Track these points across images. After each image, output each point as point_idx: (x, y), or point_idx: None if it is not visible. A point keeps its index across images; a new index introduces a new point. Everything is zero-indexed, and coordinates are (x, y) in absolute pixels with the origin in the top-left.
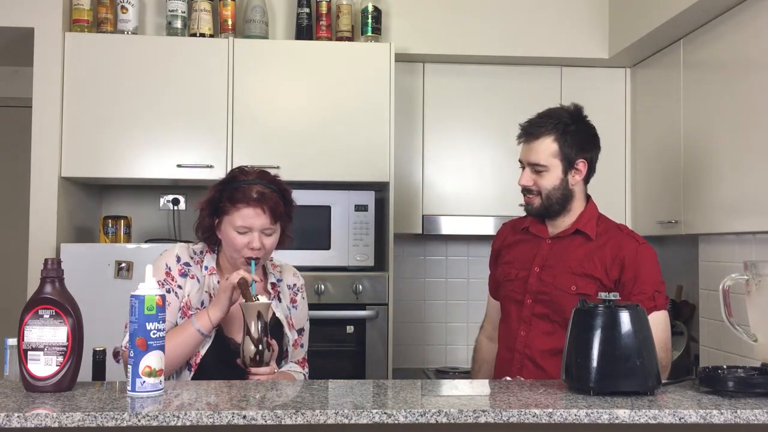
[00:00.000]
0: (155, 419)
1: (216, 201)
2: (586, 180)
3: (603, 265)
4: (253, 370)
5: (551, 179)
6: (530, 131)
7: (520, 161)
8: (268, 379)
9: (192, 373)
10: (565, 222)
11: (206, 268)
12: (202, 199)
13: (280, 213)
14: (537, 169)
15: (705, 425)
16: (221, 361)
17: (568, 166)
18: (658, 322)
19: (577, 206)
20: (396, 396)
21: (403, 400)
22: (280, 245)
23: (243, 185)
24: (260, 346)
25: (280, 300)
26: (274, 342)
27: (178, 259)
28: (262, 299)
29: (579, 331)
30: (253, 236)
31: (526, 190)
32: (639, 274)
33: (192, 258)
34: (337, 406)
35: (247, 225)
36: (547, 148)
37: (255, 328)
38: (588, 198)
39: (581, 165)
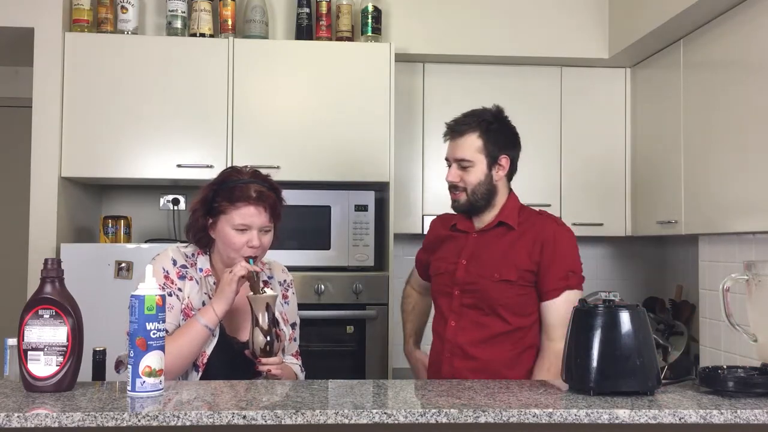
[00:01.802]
0: (155, 419)
1: (210, 201)
2: (509, 177)
3: (525, 249)
4: (263, 360)
5: (476, 174)
6: (456, 129)
7: (446, 159)
8: (277, 369)
9: (200, 373)
10: (489, 217)
11: (201, 270)
12: (194, 200)
13: (278, 211)
14: (463, 165)
15: (705, 425)
16: (226, 360)
17: (492, 161)
18: (569, 301)
19: (501, 201)
20: (396, 396)
21: (403, 400)
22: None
23: (240, 184)
24: (269, 337)
25: None
26: (282, 332)
27: (174, 262)
28: (269, 291)
29: (579, 331)
30: (252, 234)
31: (452, 187)
32: (556, 254)
33: (186, 260)
34: (337, 406)
35: (247, 223)
36: (472, 144)
37: (263, 319)
38: (509, 192)
39: (504, 161)
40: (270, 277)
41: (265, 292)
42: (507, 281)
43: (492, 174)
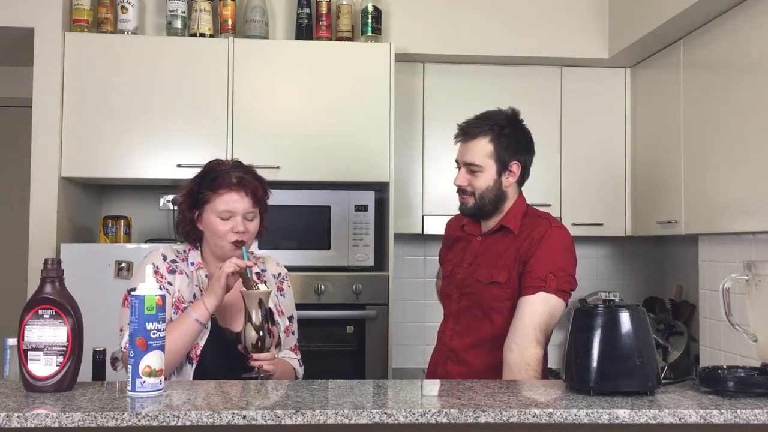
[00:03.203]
0: (155, 419)
1: (195, 193)
2: (520, 182)
3: (517, 251)
4: (255, 356)
5: (485, 180)
6: (467, 131)
7: (456, 161)
8: (269, 365)
9: (194, 365)
10: (495, 221)
11: (192, 263)
12: (180, 194)
13: (260, 197)
14: (472, 169)
15: (705, 425)
16: (220, 351)
17: (502, 167)
18: (539, 302)
19: (509, 206)
20: (396, 396)
21: (403, 400)
22: (258, 236)
23: (222, 173)
24: (261, 333)
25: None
26: (274, 328)
27: (165, 258)
28: (262, 287)
29: (579, 331)
30: (237, 221)
31: (460, 191)
32: (540, 252)
33: (177, 256)
34: (337, 406)
35: (230, 209)
36: (482, 148)
37: (256, 315)
38: (518, 196)
39: (515, 167)
40: (263, 270)
41: (258, 287)
42: (496, 283)
43: (501, 180)
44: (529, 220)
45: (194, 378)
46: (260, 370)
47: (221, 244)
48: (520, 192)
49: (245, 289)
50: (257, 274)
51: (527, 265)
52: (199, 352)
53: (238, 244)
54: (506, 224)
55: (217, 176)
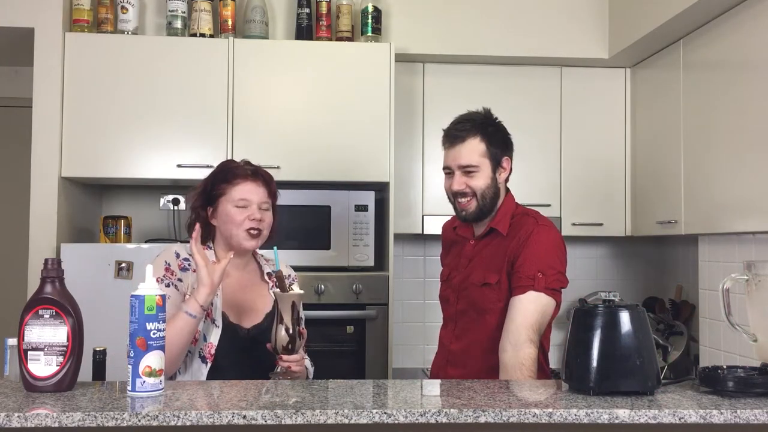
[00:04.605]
0: (155, 419)
1: (209, 190)
2: (506, 180)
3: (505, 251)
4: (285, 357)
5: (483, 179)
6: (456, 135)
7: (447, 168)
8: (297, 366)
9: (209, 364)
10: (486, 222)
11: None
12: (192, 194)
13: (273, 190)
14: (468, 170)
15: (705, 425)
16: (233, 348)
17: (496, 165)
18: (530, 301)
19: (499, 206)
20: (396, 396)
21: (403, 400)
22: (269, 238)
23: (236, 168)
24: (292, 335)
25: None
26: (304, 330)
27: (177, 256)
28: (297, 290)
29: (579, 331)
30: (252, 209)
31: (459, 195)
32: (527, 252)
33: (190, 255)
34: (337, 406)
35: (247, 198)
36: (475, 148)
37: (288, 317)
38: (506, 194)
39: (506, 163)
40: (274, 271)
41: (292, 290)
42: (488, 285)
43: (496, 177)
44: (517, 220)
45: (208, 376)
46: (288, 371)
47: (237, 233)
48: (508, 190)
49: (279, 290)
50: (268, 274)
51: (515, 265)
52: (213, 351)
53: (253, 231)
54: (495, 227)
55: (230, 170)
